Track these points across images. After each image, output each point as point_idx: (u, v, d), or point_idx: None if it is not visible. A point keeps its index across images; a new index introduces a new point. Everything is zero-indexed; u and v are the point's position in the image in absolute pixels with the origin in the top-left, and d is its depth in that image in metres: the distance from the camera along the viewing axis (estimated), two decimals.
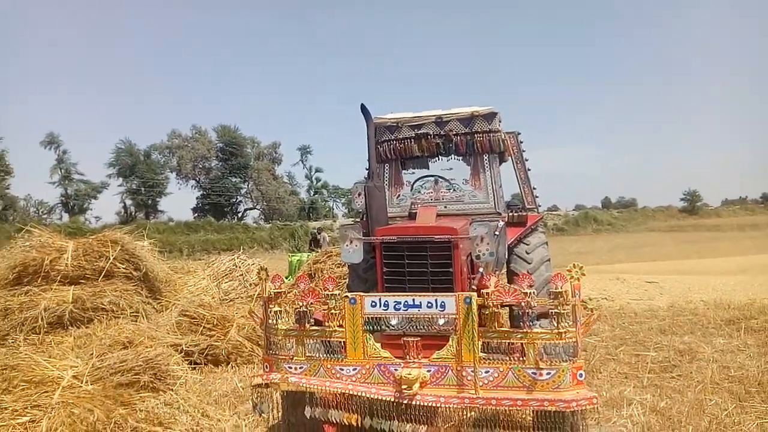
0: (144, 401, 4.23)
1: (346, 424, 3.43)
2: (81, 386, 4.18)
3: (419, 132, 5.49)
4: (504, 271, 5.66)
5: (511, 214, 5.66)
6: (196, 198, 59.73)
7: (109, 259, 7.61)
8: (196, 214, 56.99)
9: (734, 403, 4.67)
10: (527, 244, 5.61)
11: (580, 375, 3.11)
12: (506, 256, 5.49)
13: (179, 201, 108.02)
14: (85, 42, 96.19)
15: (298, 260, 13.80)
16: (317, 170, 66.66)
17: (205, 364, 6.50)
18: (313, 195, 66.47)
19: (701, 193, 70.82)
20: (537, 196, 6.37)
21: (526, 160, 6.39)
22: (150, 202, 57.34)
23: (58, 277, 7.31)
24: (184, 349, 6.41)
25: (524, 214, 5.79)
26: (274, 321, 3.58)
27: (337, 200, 67.34)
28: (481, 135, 5.36)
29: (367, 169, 5.07)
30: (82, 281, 7.46)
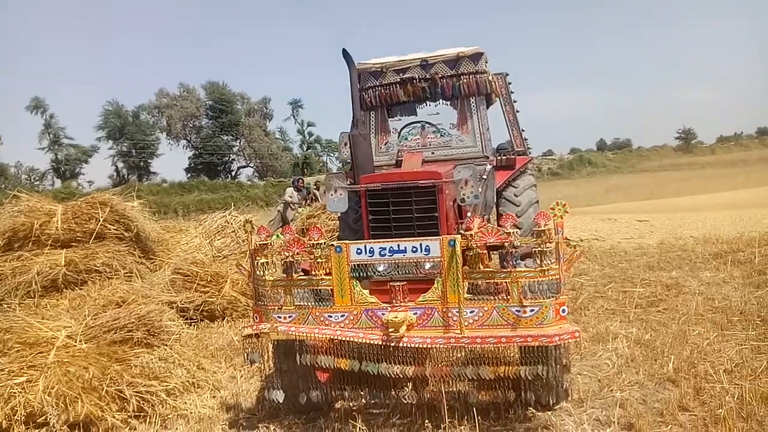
0: (138, 357, 4.28)
1: (337, 368, 3.50)
2: (75, 345, 4.23)
3: (404, 77, 5.39)
4: (495, 216, 5.67)
5: (499, 157, 5.62)
6: (189, 158, 59.21)
7: (99, 220, 7.56)
8: (189, 175, 56.54)
9: (716, 332, 4.77)
10: (515, 187, 5.60)
11: (563, 310, 3.15)
12: (495, 200, 5.49)
13: (172, 162, 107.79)
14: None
15: None
16: (309, 124, 65.74)
17: (200, 320, 6.58)
18: (306, 150, 65.83)
19: (696, 130, 70.35)
20: (526, 139, 6.32)
21: (515, 101, 6.30)
22: (142, 163, 56.81)
23: (49, 241, 7.27)
24: (179, 306, 6.47)
25: (512, 157, 5.76)
26: (262, 272, 3.59)
27: (331, 154, 66.73)
28: (467, 77, 5.28)
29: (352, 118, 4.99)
30: (74, 244, 7.42)
